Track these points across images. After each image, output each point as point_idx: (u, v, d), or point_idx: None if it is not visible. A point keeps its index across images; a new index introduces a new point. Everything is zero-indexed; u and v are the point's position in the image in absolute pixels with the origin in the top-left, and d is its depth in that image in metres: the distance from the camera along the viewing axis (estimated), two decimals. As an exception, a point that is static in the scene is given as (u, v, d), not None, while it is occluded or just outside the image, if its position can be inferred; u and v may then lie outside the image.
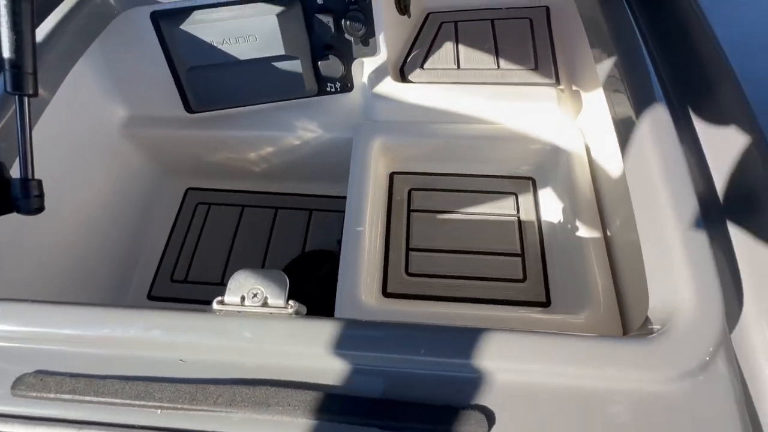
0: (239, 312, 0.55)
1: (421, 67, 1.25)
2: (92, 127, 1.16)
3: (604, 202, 1.05)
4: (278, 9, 1.05)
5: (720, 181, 0.63)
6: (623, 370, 0.49)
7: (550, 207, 1.16)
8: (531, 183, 1.23)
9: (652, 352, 0.49)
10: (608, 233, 1.01)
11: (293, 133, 1.26)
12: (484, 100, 1.14)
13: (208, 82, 1.15)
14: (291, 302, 0.55)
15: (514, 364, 0.50)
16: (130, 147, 1.29)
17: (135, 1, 1.03)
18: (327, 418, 0.50)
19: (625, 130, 0.70)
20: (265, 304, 0.55)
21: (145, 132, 1.26)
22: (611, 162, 1.03)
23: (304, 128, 1.25)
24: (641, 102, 0.67)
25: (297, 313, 0.55)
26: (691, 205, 0.58)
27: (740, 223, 0.58)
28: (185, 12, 1.05)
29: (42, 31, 0.85)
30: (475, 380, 0.51)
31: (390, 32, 1.19)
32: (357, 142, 1.16)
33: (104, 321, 0.57)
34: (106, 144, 1.21)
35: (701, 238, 0.55)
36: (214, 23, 1.05)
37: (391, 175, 1.27)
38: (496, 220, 1.17)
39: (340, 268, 0.96)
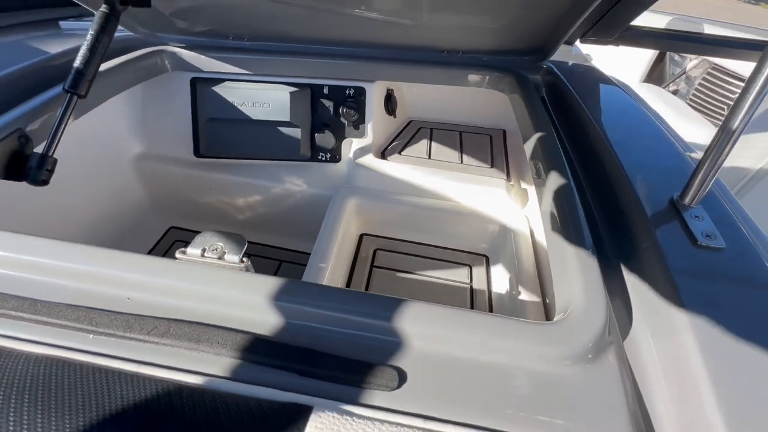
0: (196, 261, 0.61)
1: (399, 153, 1.51)
2: (108, 149, 1.33)
3: (543, 276, 1.17)
4: (292, 89, 1.35)
5: (607, 228, 0.79)
6: (523, 346, 0.55)
7: (500, 279, 1.27)
8: (485, 260, 1.37)
9: (550, 333, 0.56)
10: (547, 301, 1.10)
11: (281, 185, 1.44)
12: (447, 180, 1.37)
13: (220, 132, 1.37)
14: (245, 259, 0.62)
15: (430, 329, 0.56)
16: (133, 178, 1.43)
17: (182, 67, 1.32)
18: (251, 358, 0.53)
19: (546, 206, 0.86)
20: (221, 258, 0.62)
21: (152, 166, 1.43)
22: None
23: (292, 182, 1.44)
24: (556, 188, 0.85)
25: (247, 269, 0.62)
26: (588, 243, 0.71)
27: (626, 258, 0.71)
28: (219, 80, 1.34)
29: (107, 64, 1.09)
30: (393, 343, 0.56)
31: (377, 123, 1.48)
32: (335, 198, 1.33)
33: (61, 253, 0.62)
34: (114, 166, 1.36)
35: (593, 262, 0.67)
36: (239, 89, 1.32)
37: (361, 236, 1.40)
38: (450, 284, 1.27)
39: None
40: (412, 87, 1.73)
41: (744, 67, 3.94)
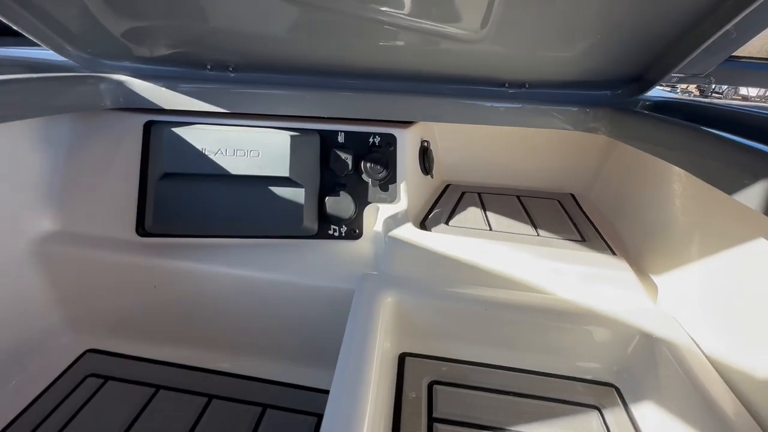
0: None
1: (446, 223, 1.04)
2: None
3: (758, 410, 0.61)
4: (294, 133, 0.92)
5: None
6: None
7: (658, 426, 0.69)
8: (615, 392, 0.80)
9: None
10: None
11: (272, 277, 0.91)
12: (535, 259, 0.87)
13: (179, 195, 0.89)
14: None
15: None
16: (33, 269, 0.91)
17: (131, 103, 0.90)
18: None
19: None
20: None
21: (66, 253, 0.91)
22: (738, 352, 0.66)
23: (290, 272, 0.91)
24: None
25: None
26: None
27: None
28: (186, 123, 0.91)
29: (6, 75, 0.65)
30: None
31: (412, 184, 1.04)
32: (359, 298, 0.81)
33: None
34: (2, 251, 0.84)
35: None
36: (213, 132, 0.89)
37: (402, 357, 0.84)
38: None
39: None
40: (447, 142, 1.34)
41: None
